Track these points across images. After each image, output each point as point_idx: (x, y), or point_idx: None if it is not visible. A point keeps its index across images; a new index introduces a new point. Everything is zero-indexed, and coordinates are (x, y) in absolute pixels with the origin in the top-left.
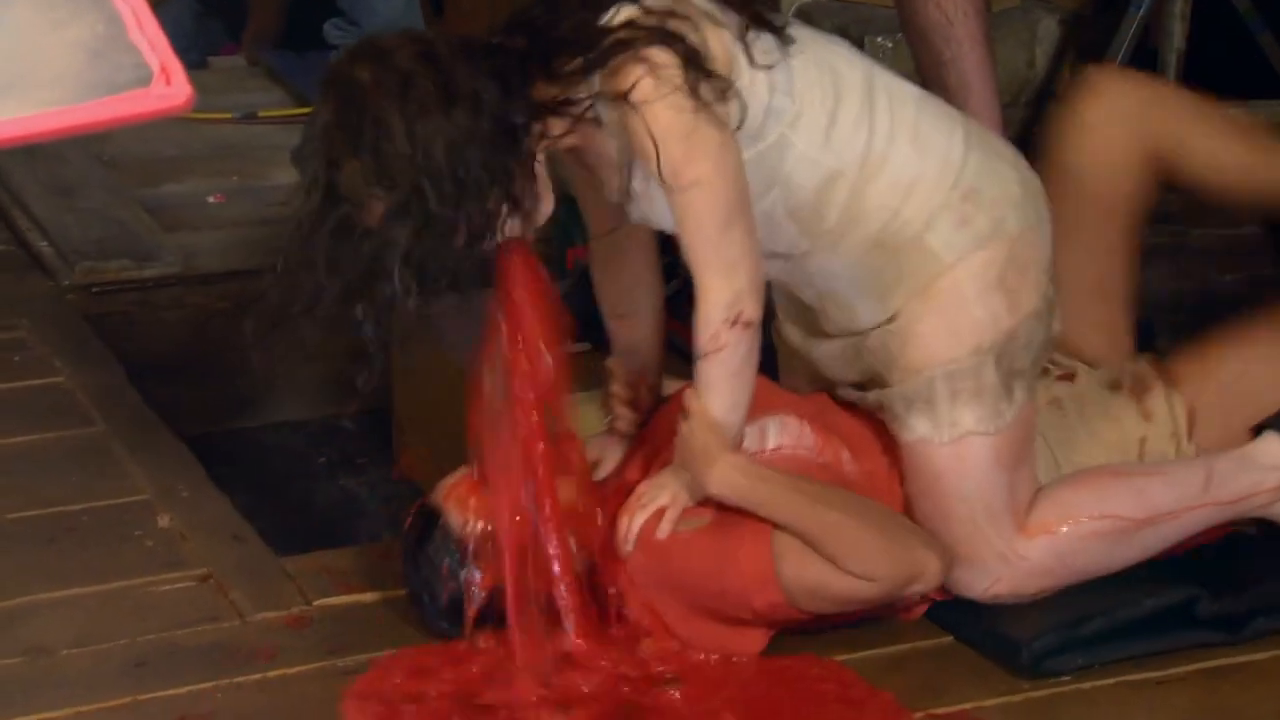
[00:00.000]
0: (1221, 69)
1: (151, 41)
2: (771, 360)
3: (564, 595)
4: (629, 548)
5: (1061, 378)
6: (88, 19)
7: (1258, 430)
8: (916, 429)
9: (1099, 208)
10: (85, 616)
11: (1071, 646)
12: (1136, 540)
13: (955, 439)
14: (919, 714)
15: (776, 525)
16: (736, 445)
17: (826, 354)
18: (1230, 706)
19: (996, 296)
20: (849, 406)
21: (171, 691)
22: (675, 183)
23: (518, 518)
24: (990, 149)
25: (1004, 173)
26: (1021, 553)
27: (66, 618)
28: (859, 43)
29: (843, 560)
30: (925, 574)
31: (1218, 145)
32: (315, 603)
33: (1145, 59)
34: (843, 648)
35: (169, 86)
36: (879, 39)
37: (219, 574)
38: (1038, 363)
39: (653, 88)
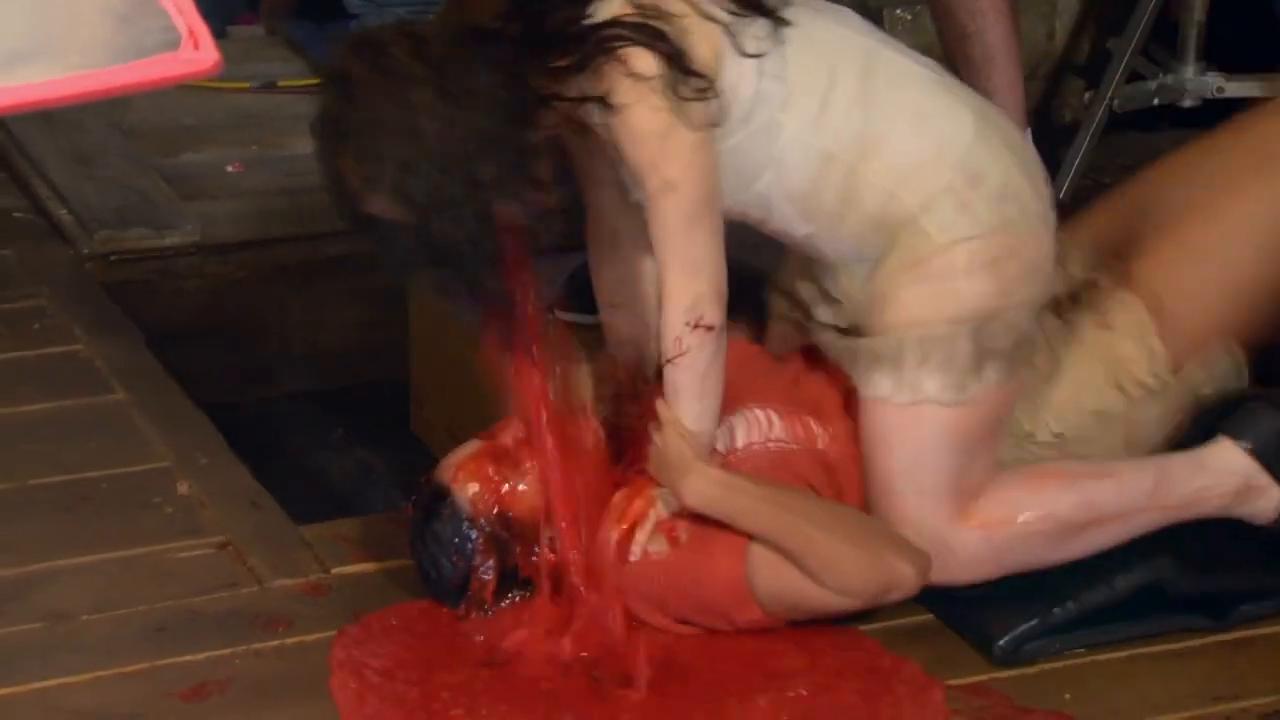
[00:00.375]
0: (1242, 42)
1: (179, 6)
2: None
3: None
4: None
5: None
6: None
7: (1212, 432)
8: (878, 386)
9: None
10: (105, 582)
11: (1045, 634)
12: (1078, 540)
13: (913, 402)
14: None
15: (751, 537)
16: (709, 451)
17: (816, 299)
18: (1246, 678)
19: (987, 278)
20: (821, 369)
21: (189, 657)
22: (646, 183)
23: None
24: (1000, 137)
25: (1007, 161)
26: (956, 542)
27: (86, 584)
28: (878, 15)
29: (817, 574)
30: (901, 584)
31: None
32: (333, 570)
33: (1166, 32)
34: (856, 619)
35: (197, 50)
36: (898, 11)
37: (237, 541)
38: (1020, 350)
39: (630, 89)
